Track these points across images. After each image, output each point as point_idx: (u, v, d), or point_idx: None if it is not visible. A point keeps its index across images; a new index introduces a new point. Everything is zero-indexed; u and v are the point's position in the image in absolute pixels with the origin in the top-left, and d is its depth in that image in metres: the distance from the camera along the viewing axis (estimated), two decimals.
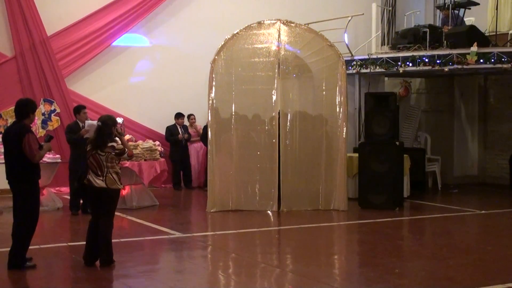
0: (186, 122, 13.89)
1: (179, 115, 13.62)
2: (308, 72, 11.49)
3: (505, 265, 7.32)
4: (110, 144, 6.94)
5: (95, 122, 9.63)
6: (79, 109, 10.44)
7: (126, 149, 7.26)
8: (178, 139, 13.46)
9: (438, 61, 11.95)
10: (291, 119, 10.89)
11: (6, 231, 6.93)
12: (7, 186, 6.91)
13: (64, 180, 11.76)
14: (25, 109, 6.81)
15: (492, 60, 11.59)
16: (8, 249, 6.80)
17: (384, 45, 14.65)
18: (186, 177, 13.75)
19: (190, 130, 13.79)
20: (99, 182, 6.86)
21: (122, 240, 8.11)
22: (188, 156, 13.77)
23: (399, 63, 12.44)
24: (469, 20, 13.44)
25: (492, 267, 7.19)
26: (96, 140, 6.97)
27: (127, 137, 10.64)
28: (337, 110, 10.93)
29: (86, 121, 10.12)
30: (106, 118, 7.14)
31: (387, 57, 12.71)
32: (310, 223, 9.62)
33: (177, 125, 13.60)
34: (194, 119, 13.94)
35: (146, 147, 11.13)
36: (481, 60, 11.64)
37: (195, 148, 13.94)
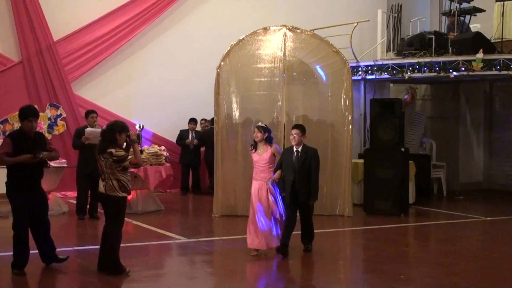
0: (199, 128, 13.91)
1: (191, 120, 13.65)
2: (314, 78, 11.50)
3: (510, 272, 7.31)
4: (109, 150, 6.74)
5: (96, 130, 9.61)
6: (87, 114, 10.51)
7: (129, 157, 6.79)
8: (185, 144, 13.46)
9: (443, 68, 11.96)
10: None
11: (8, 235, 6.96)
12: None
13: (70, 185, 11.79)
14: (20, 115, 7.02)
15: (498, 67, 11.61)
16: (7, 253, 6.88)
17: (390, 51, 14.67)
18: (194, 181, 13.75)
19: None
20: (101, 187, 6.83)
21: (127, 244, 8.10)
22: (198, 160, 13.77)
23: (405, 70, 12.46)
24: (474, 26, 13.45)
25: (497, 274, 7.18)
26: (98, 145, 6.96)
27: None
28: (342, 116, 10.96)
29: (86, 129, 10.08)
30: (112, 123, 6.94)
31: (393, 63, 12.73)
32: (315, 229, 9.58)
33: (189, 130, 13.62)
34: (205, 123, 13.89)
35: (151, 152, 11.17)
36: (487, 67, 11.65)
37: (203, 153, 13.88)
